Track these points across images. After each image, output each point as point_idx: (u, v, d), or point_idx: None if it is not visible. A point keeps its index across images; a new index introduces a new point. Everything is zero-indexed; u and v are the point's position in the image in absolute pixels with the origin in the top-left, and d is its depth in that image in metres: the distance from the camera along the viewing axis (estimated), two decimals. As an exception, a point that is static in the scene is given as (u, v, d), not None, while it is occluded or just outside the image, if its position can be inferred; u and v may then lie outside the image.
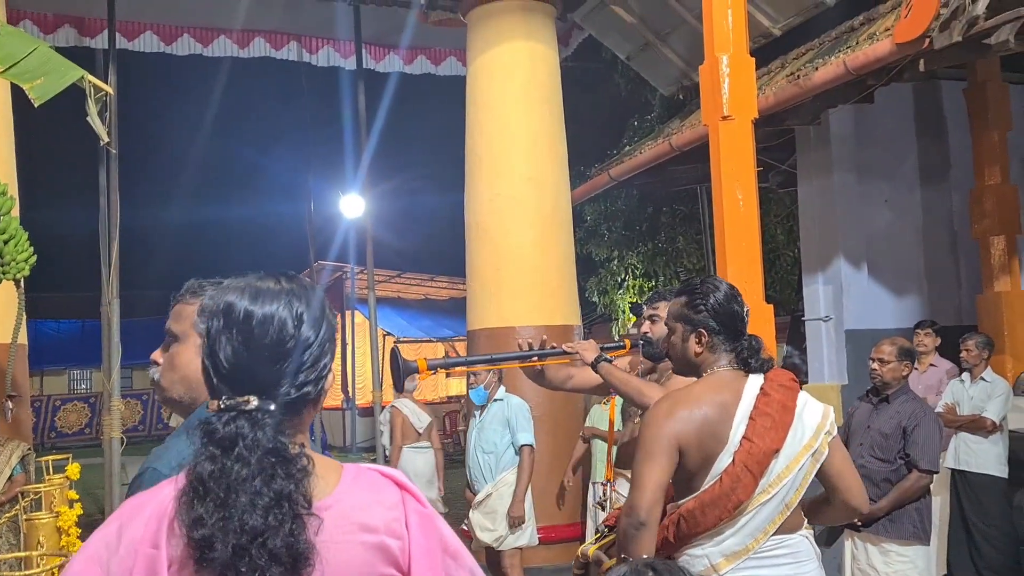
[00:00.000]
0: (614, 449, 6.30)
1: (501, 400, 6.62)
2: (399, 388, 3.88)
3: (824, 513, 3.10)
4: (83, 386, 28.82)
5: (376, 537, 1.45)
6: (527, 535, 6.55)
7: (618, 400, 6.99)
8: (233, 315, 1.43)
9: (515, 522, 6.45)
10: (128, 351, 10.26)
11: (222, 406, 1.41)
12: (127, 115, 10.52)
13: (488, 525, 6.55)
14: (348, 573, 1.41)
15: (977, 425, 6.67)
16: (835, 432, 2.88)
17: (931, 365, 7.43)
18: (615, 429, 7.37)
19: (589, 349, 3.92)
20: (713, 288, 2.95)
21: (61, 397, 26.16)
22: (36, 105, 4.01)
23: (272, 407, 1.41)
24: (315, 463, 1.44)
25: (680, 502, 2.83)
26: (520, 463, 6.48)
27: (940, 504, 6.69)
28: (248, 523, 1.33)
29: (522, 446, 6.46)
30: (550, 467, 7.91)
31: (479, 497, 6.62)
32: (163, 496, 1.39)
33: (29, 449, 5.94)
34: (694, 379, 3.00)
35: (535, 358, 4.01)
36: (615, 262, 16.01)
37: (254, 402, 1.41)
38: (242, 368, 1.43)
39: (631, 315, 15.48)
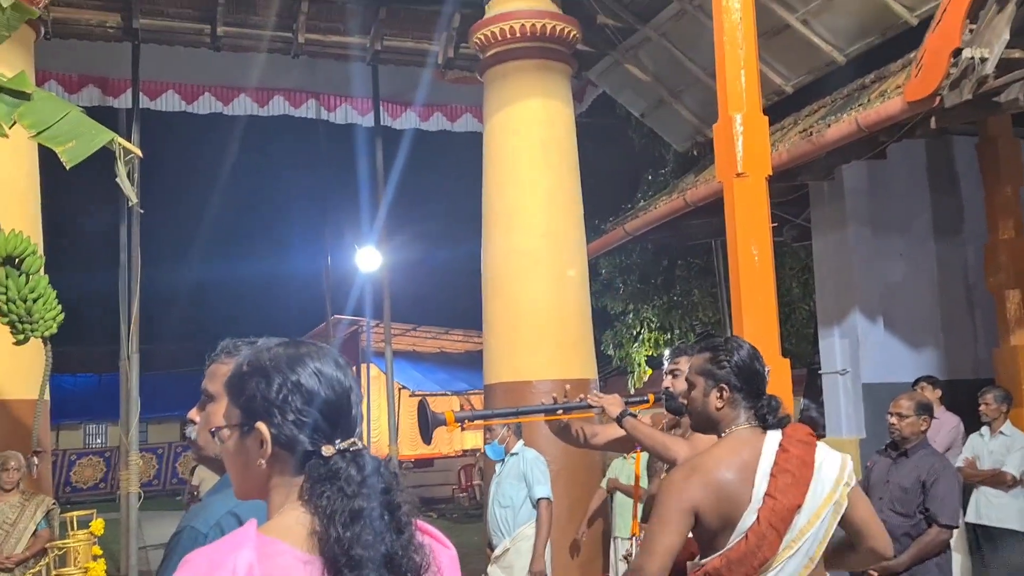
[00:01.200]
0: (639, 504, 6.31)
1: (517, 454, 6.62)
2: (427, 441, 3.90)
3: (849, 559, 3.12)
4: (98, 440, 28.82)
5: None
6: None
7: (644, 455, 7.01)
8: (325, 376, 1.53)
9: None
10: (144, 405, 10.32)
11: (341, 448, 1.49)
12: (148, 172, 10.69)
13: None
14: None
15: (997, 480, 6.63)
16: (854, 482, 2.90)
17: (933, 418, 7.41)
18: (640, 484, 7.39)
19: (614, 404, 3.96)
20: (737, 346, 3.00)
21: (76, 451, 26.17)
22: (68, 168, 4.12)
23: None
24: None
25: (704, 560, 2.84)
26: (538, 517, 6.44)
27: (960, 561, 6.63)
28: (392, 546, 1.46)
29: (539, 499, 6.43)
30: (568, 521, 7.89)
31: (497, 552, 6.60)
32: (244, 553, 1.42)
33: (54, 504, 5.98)
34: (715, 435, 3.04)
35: (560, 411, 4.04)
36: (630, 315, 16.02)
37: (359, 444, 1.52)
38: (339, 420, 1.52)
39: (647, 368, 15.46)
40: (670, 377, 3.93)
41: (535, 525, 6.47)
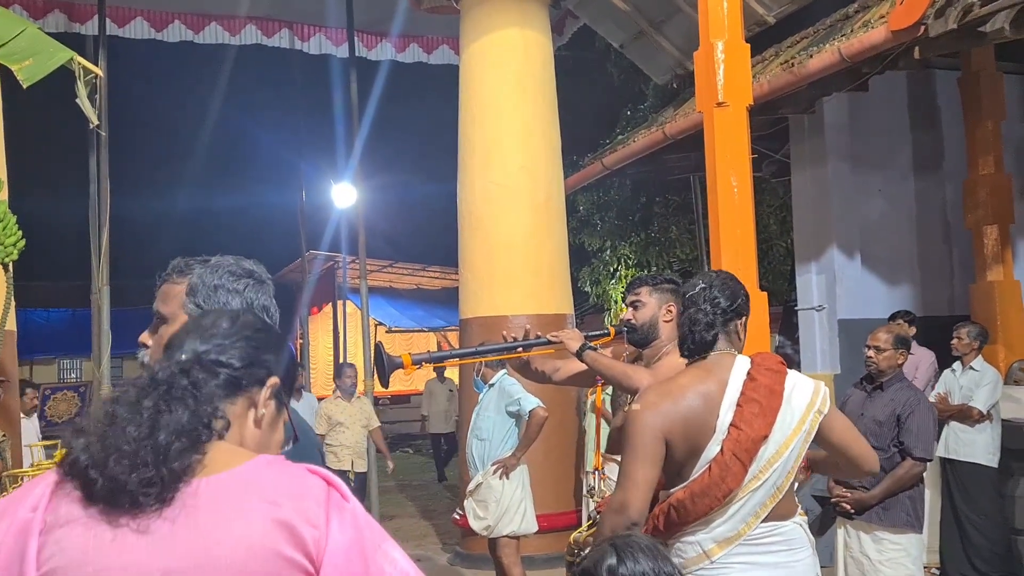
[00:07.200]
0: (603, 437, 6.28)
1: (495, 385, 6.58)
2: (385, 384, 3.83)
3: (836, 468, 3.13)
4: (73, 375, 28.80)
5: (281, 513, 1.36)
6: (518, 522, 6.51)
7: (606, 390, 6.97)
8: None
9: (500, 466, 6.41)
10: (118, 340, 10.20)
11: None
12: (118, 102, 10.43)
13: (480, 513, 6.54)
14: (245, 545, 1.34)
15: (964, 414, 6.67)
16: (827, 409, 2.85)
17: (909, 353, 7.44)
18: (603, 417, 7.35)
19: (573, 338, 3.88)
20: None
21: (51, 386, 26.05)
22: (25, 87, 3.96)
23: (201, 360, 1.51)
24: (223, 448, 1.44)
25: (670, 491, 2.81)
26: (529, 423, 6.37)
27: (930, 494, 6.68)
28: (129, 433, 1.37)
29: (532, 410, 6.35)
30: (544, 456, 7.89)
31: (471, 485, 6.61)
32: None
33: (4, 435, 5.89)
34: (682, 364, 2.99)
35: (520, 349, 3.96)
36: (608, 252, 15.98)
37: (184, 356, 1.51)
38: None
39: (623, 306, 15.47)
40: (631, 309, 3.84)
41: (523, 436, 6.44)
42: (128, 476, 1.32)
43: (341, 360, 20.38)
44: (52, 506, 1.37)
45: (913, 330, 7.28)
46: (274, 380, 1.57)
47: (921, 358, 7.33)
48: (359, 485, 8.90)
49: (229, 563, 1.33)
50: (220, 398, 1.48)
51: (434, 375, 15.34)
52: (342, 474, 8.53)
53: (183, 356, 1.50)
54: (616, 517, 2.68)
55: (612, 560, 1.85)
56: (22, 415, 7.99)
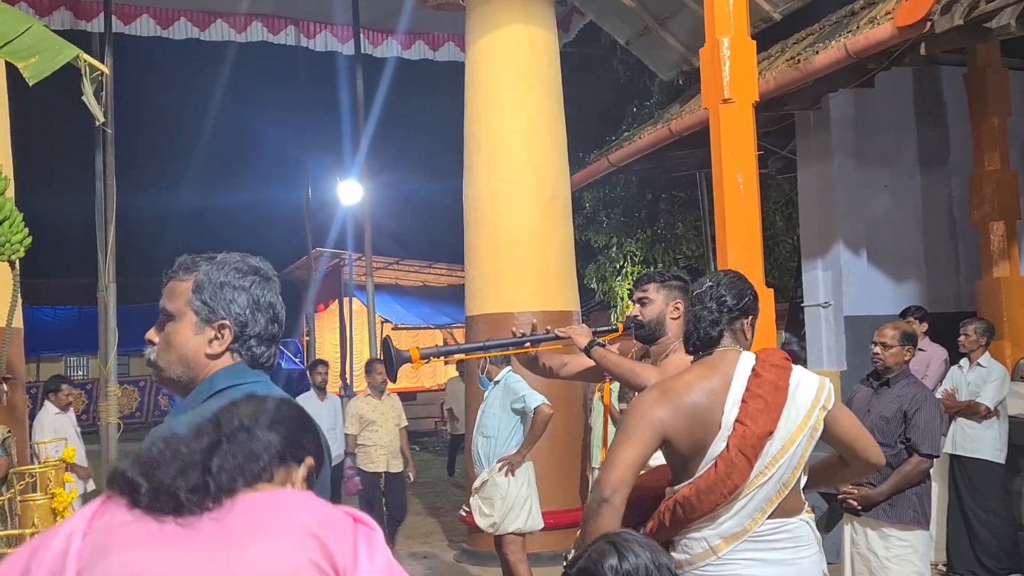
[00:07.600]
0: (610, 434, 6.27)
1: (500, 382, 6.56)
2: (392, 379, 3.84)
3: (841, 474, 3.13)
4: (80, 372, 28.84)
5: (315, 528, 1.45)
6: (523, 519, 6.50)
7: (613, 386, 6.94)
8: None
9: (505, 464, 6.39)
10: (125, 338, 10.23)
11: None
12: (124, 100, 10.49)
13: (485, 510, 6.52)
14: (282, 547, 1.42)
15: (971, 410, 6.66)
16: (831, 405, 2.85)
17: (919, 350, 7.43)
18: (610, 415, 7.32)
19: (582, 334, 3.88)
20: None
21: (58, 383, 26.08)
22: (31, 84, 3.96)
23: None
24: (263, 486, 1.52)
25: (676, 488, 2.81)
26: (534, 420, 6.30)
27: (937, 491, 6.68)
28: (189, 445, 1.47)
29: (536, 407, 6.28)
30: (550, 453, 7.89)
31: (477, 483, 6.59)
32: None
33: (10, 432, 5.89)
34: (689, 361, 2.98)
35: (528, 344, 3.96)
36: (614, 249, 15.98)
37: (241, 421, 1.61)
38: None
39: (629, 303, 15.47)
40: (638, 305, 3.83)
41: (528, 433, 6.40)
42: (173, 481, 1.41)
43: (347, 357, 20.40)
44: (100, 513, 1.45)
45: (924, 326, 7.26)
46: (311, 461, 1.65)
47: (933, 355, 7.31)
48: (398, 487, 8.61)
49: (266, 562, 1.40)
50: (270, 458, 1.56)
51: (456, 374, 15.22)
52: (375, 476, 8.37)
53: (240, 420, 1.57)
54: (591, 494, 2.70)
55: (613, 560, 1.84)
56: (58, 410, 8.16)
